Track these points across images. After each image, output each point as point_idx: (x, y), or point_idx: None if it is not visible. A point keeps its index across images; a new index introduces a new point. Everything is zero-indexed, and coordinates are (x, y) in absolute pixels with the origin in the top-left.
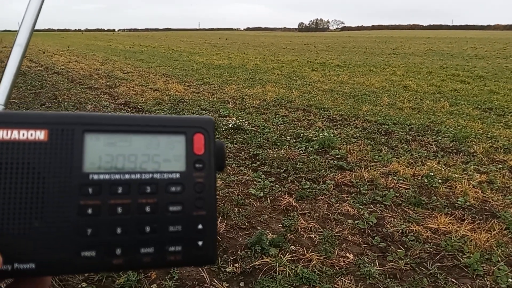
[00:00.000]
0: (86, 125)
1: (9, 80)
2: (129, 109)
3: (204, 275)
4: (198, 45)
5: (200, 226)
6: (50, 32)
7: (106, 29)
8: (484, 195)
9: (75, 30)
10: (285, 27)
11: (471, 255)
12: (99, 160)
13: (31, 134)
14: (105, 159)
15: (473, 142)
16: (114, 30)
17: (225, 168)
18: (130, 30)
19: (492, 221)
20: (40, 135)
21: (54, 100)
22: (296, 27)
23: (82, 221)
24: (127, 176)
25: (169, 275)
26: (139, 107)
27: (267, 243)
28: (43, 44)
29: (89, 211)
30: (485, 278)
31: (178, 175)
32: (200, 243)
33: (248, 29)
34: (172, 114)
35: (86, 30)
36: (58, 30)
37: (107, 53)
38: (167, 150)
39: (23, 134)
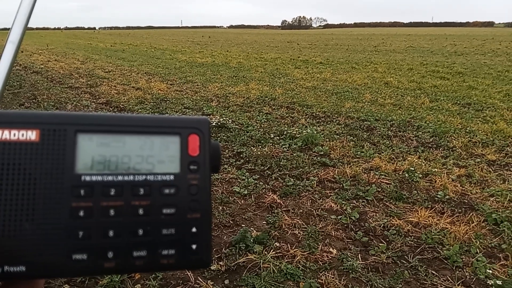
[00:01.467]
0: (78, 125)
1: (1, 79)
2: (111, 109)
3: (189, 273)
4: (181, 43)
5: (194, 229)
6: (29, 30)
7: (86, 27)
8: (463, 188)
9: (55, 29)
10: (268, 25)
11: (451, 247)
12: (92, 161)
13: (22, 134)
14: (98, 160)
15: (452, 137)
16: (94, 28)
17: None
18: (111, 28)
19: (471, 214)
20: (31, 135)
21: (33, 100)
22: (279, 24)
23: (74, 224)
24: (120, 178)
25: (153, 275)
26: (121, 106)
27: (251, 241)
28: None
29: (81, 213)
30: (464, 270)
31: (172, 177)
32: (194, 246)
33: (231, 26)
34: (167, 114)
35: (66, 28)
36: (37, 28)
37: (87, 51)
38: (161, 151)
39: (14, 134)
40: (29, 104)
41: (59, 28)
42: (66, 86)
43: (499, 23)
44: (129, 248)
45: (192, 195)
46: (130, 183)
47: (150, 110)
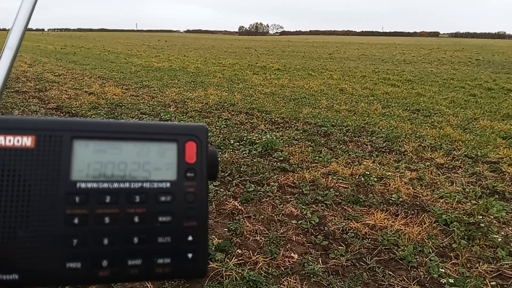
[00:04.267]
0: (74, 132)
1: None
2: (62, 114)
3: (148, 285)
4: (136, 47)
5: (190, 238)
6: None
7: (34, 28)
8: (415, 191)
9: None
10: (225, 30)
11: (405, 248)
12: (88, 167)
13: (18, 140)
14: (94, 167)
15: (404, 142)
16: (43, 30)
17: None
18: (61, 30)
19: (423, 215)
20: (27, 141)
21: None
22: (237, 30)
23: (68, 231)
24: (116, 185)
25: (108, 286)
26: (73, 112)
27: (213, 248)
28: None
29: (76, 220)
30: (419, 269)
31: (168, 185)
32: (190, 255)
33: (188, 31)
34: (166, 121)
35: None
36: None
37: (35, 54)
38: (158, 158)
39: (10, 140)
40: None
41: (3, 29)
42: (12, 90)
43: (444, 33)
44: (124, 256)
45: (189, 203)
46: (126, 190)
47: (105, 115)
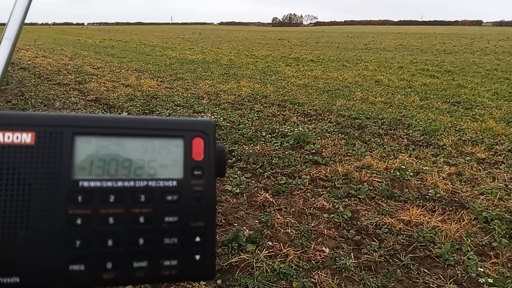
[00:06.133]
0: (76, 128)
1: None
2: (100, 106)
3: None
4: (171, 40)
5: (197, 239)
6: None
7: (74, 22)
8: (454, 186)
9: (42, 24)
10: (259, 22)
11: (442, 245)
12: (90, 165)
13: (17, 137)
14: (97, 165)
15: (443, 135)
16: (83, 24)
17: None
18: (100, 24)
19: (462, 212)
20: (26, 138)
21: (21, 97)
22: (270, 21)
23: (71, 232)
24: (120, 184)
25: None
26: (111, 104)
27: (244, 240)
28: None
29: (78, 221)
30: (456, 268)
31: (175, 183)
32: (197, 257)
33: (221, 23)
34: (170, 116)
35: (54, 23)
36: (24, 24)
37: (76, 47)
38: (164, 155)
39: (8, 137)
40: (16, 101)
41: (46, 24)
42: (54, 82)
43: (487, 22)
44: (129, 258)
45: (196, 202)
46: (130, 189)
47: (140, 107)
